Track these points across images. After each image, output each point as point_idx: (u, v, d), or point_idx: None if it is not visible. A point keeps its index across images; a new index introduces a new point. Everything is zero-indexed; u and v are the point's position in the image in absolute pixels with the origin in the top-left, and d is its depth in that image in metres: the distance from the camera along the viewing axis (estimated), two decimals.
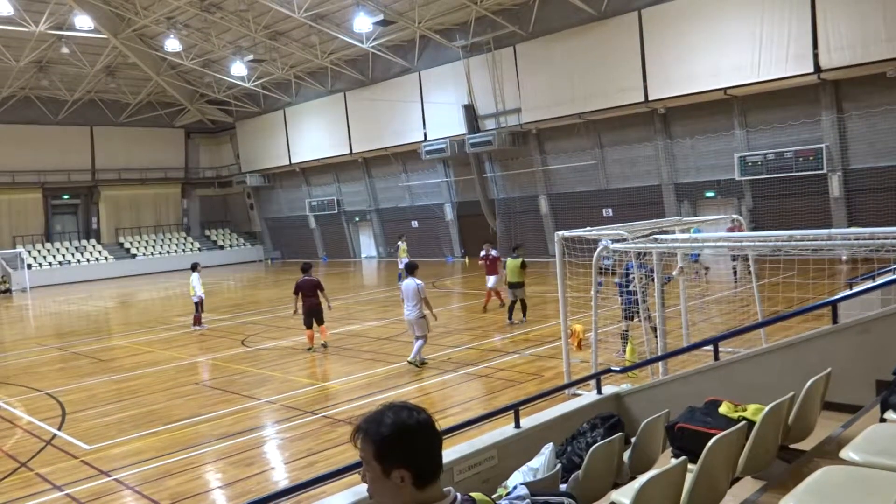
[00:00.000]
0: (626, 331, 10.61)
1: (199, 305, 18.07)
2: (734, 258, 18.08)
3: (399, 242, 25.68)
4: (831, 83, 21.65)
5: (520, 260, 15.15)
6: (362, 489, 4.76)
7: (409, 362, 11.74)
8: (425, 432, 1.92)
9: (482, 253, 18.15)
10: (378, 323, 17.23)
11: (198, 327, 17.92)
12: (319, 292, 14.09)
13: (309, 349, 14.11)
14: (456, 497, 1.96)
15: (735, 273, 18.35)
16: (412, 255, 24.79)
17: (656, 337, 9.57)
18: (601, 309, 9.67)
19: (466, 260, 31.59)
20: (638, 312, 10.04)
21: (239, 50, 33.47)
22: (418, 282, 11.61)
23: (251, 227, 47.07)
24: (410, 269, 11.87)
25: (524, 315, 15.21)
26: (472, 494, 2.03)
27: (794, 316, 8.03)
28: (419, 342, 11.70)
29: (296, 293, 14.27)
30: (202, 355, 14.67)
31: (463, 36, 29.14)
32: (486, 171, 32.00)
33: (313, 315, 14.07)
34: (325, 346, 14.21)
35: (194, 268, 18.44)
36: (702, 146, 25.19)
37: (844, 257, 17.33)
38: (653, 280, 9.75)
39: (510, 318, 15.18)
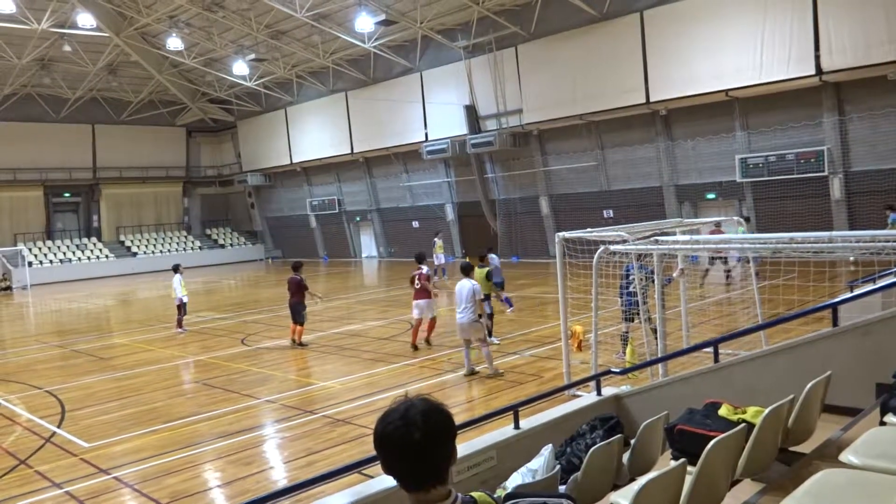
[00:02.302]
0: (627, 332, 10.61)
1: (181, 308, 17.60)
2: (723, 261, 17.96)
3: (435, 239, 25.80)
4: (833, 85, 21.64)
5: (486, 270, 13.50)
6: (361, 489, 4.79)
7: (490, 375, 10.74)
8: (392, 445, 1.93)
9: (422, 271, 13.64)
10: (378, 323, 17.23)
11: (179, 331, 17.50)
12: (306, 291, 14.70)
13: (299, 345, 14.62)
14: (457, 497, 1.97)
15: (727, 275, 18.25)
16: (412, 254, 24.77)
17: (656, 338, 9.57)
18: (601, 310, 9.67)
19: (467, 260, 31.58)
20: (638, 314, 10.04)
21: (241, 49, 33.49)
22: (474, 283, 10.91)
23: (252, 226, 47.08)
24: (466, 271, 11.18)
25: (490, 333, 13.18)
26: (473, 494, 2.03)
27: (794, 318, 8.03)
28: (486, 350, 10.86)
29: (288, 290, 14.94)
30: (202, 354, 14.67)
31: (465, 36, 29.15)
32: (487, 171, 32.00)
33: (292, 312, 14.66)
34: (293, 342, 14.67)
35: (176, 269, 17.81)
36: (703, 148, 25.18)
37: (853, 258, 17.25)
38: (653, 281, 9.74)
39: (490, 334, 13.21)
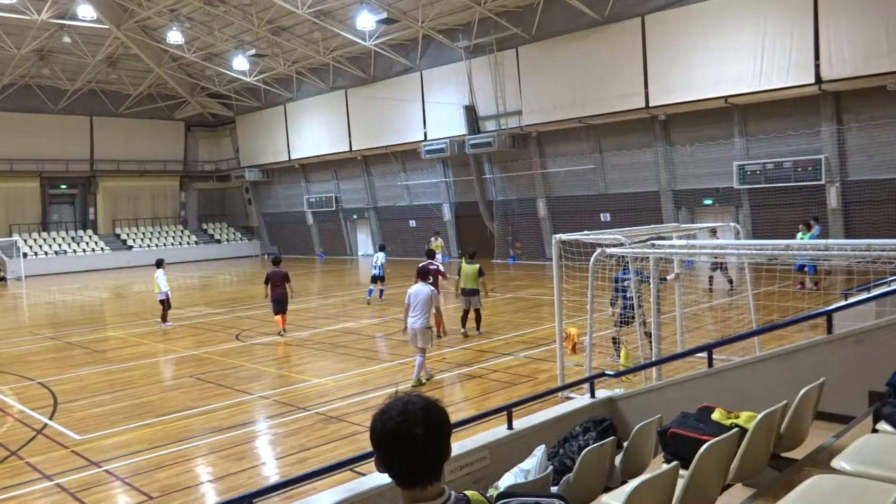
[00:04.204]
0: (618, 335, 10.63)
1: (165, 302, 17.59)
2: (714, 267, 17.80)
3: (432, 239, 25.71)
4: (832, 94, 21.69)
5: (476, 266, 14.23)
6: (353, 486, 4.79)
7: (415, 385, 10.46)
8: (392, 441, 1.91)
9: (435, 266, 14.29)
10: (373, 321, 17.22)
11: (169, 325, 17.50)
12: (287, 284, 15.39)
13: (279, 333, 15.29)
14: (450, 495, 1.97)
15: (710, 283, 17.98)
16: (409, 255, 24.79)
17: (650, 342, 9.61)
18: (596, 313, 9.68)
19: (463, 260, 31.60)
20: (633, 318, 10.06)
21: (241, 44, 33.43)
22: (431, 288, 10.68)
23: (248, 221, 47.00)
24: (423, 275, 10.91)
25: (478, 327, 14.20)
26: (467, 493, 2.03)
27: (789, 325, 8.07)
28: (420, 358, 10.54)
29: (266, 283, 15.61)
30: (196, 348, 14.65)
31: (466, 37, 29.14)
32: (486, 172, 32.00)
33: (280, 303, 15.35)
34: (281, 334, 15.24)
35: (159, 264, 17.95)
36: (701, 154, 25.21)
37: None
38: (647, 285, 9.77)
39: (464, 327, 14.31)
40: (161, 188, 44.98)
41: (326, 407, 9.70)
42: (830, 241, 8.01)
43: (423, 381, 10.76)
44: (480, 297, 14.35)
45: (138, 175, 43.31)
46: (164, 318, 17.68)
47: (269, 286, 15.50)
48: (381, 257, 19.92)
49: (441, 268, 14.57)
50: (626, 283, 10.08)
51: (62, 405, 10.43)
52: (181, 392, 11.03)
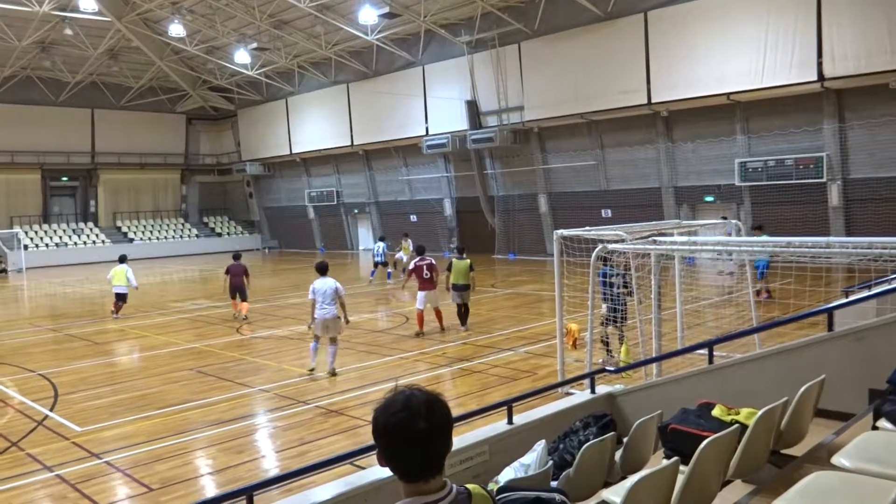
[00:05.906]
0: (606, 337, 10.61)
1: (126, 297, 18.17)
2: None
3: (402, 241, 25.65)
4: (834, 92, 21.66)
5: (468, 261, 14.27)
6: (352, 479, 4.80)
7: (332, 373, 10.96)
8: (396, 435, 1.91)
9: (417, 261, 14.48)
10: (373, 315, 17.22)
11: (117, 316, 18.01)
12: (245, 276, 17.07)
13: (235, 316, 17.04)
14: (452, 488, 1.97)
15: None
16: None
17: (620, 343, 9.85)
18: (597, 309, 9.69)
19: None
20: (618, 318, 10.10)
21: (243, 37, 33.37)
22: (336, 283, 11.11)
23: (249, 215, 46.99)
24: (323, 271, 11.26)
25: (464, 323, 14.27)
26: (468, 486, 2.04)
27: (789, 322, 8.07)
28: (334, 348, 11.05)
29: (226, 273, 17.27)
30: (197, 341, 14.66)
31: (468, 31, 29.09)
32: (487, 167, 31.98)
33: (237, 291, 16.98)
34: (245, 318, 16.62)
35: (123, 259, 18.77)
36: (703, 150, 25.18)
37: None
38: (626, 286, 9.89)
39: (462, 323, 14.38)
40: (162, 181, 44.96)
41: (326, 400, 9.71)
42: (832, 238, 7.98)
43: (336, 371, 11.06)
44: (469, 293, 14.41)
45: (139, 168, 43.29)
46: (117, 311, 18.17)
47: (228, 277, 17.04)
48: (381, 247, 23.64)
49: (433, 262, 14.56)
50: (611, 280, 10.07)
51: (63, 397, 10.44)
52: (181, 385, 11.04)
